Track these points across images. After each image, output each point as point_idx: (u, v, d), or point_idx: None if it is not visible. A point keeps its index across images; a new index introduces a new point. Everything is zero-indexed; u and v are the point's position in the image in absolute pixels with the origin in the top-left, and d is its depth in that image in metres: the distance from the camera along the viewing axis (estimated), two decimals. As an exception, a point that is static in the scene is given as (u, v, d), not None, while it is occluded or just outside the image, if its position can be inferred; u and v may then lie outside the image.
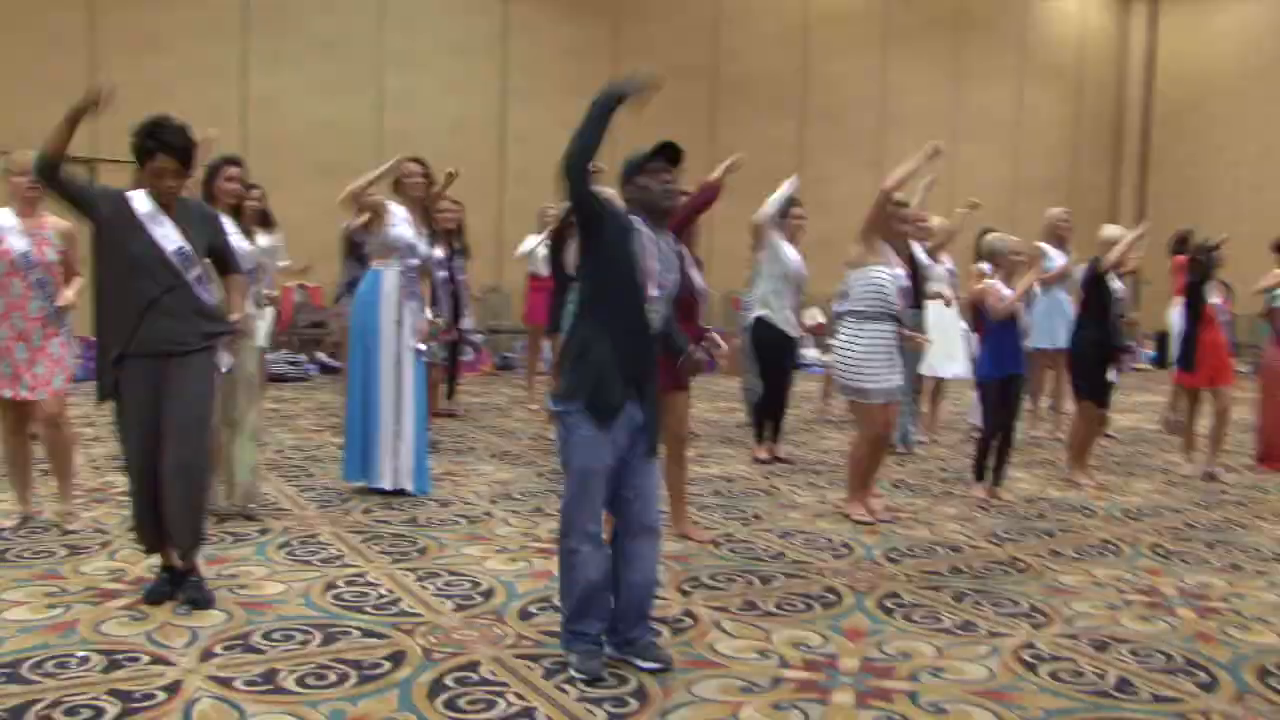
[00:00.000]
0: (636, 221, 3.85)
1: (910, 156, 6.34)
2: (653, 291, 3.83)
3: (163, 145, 4.34)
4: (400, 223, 6.55)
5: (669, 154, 3.87)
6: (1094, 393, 7.54)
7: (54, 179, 4.33)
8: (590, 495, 3.81)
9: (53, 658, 3.83)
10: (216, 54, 13.25)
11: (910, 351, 8.32)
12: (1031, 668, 4.06)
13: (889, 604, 4.77)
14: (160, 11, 12.92)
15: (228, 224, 5.27)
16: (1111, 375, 7.53)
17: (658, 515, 4.01)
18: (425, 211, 6.85)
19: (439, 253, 7.09)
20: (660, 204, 3.89)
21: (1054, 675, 3.99)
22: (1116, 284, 7.58)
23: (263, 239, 7.82)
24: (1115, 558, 5.73)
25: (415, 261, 6.58)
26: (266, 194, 8.64)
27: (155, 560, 4.61)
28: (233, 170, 5.93)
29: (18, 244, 5.41)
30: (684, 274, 5.32)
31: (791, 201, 8.11)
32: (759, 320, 8.10)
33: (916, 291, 7.61)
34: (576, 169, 3.68)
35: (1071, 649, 4.28)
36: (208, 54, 13.19)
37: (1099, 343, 7.46)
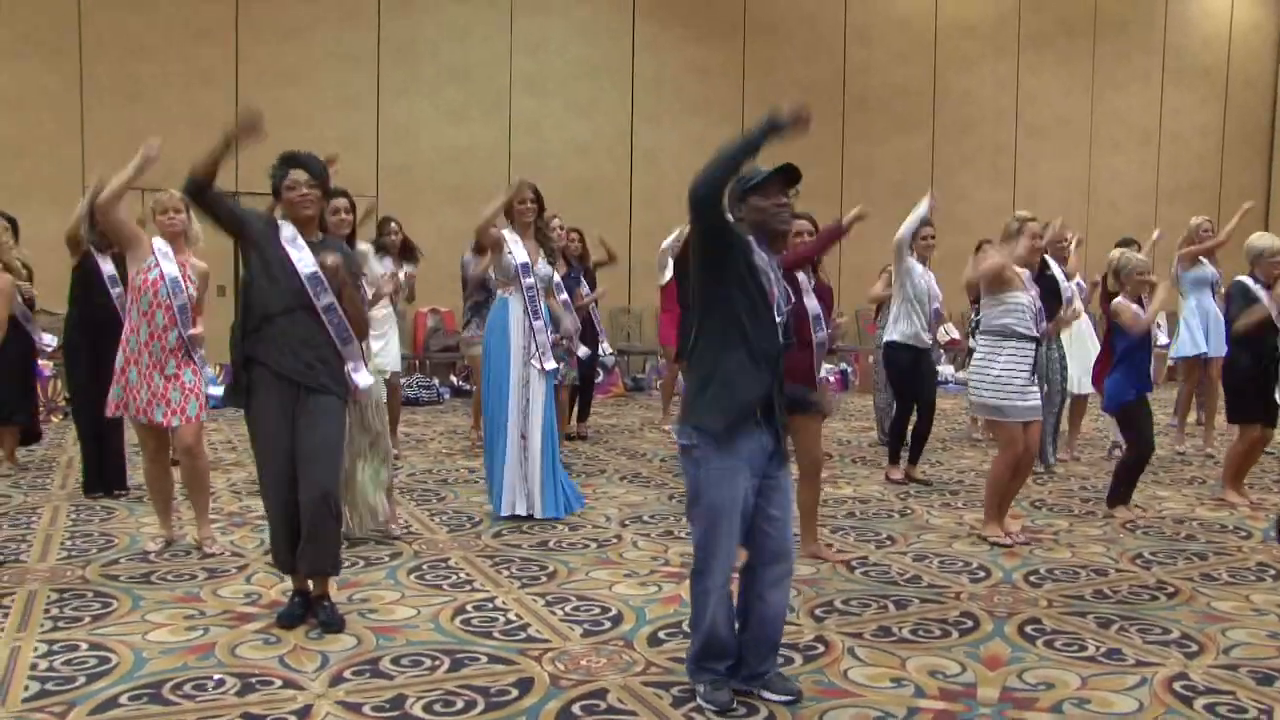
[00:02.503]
0: (754, 243, 3.73)
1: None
2: (778, 317, 3.72)
3: (295, 163, 4.52)
4: (514, 246, 6.61)
5: (787, 175, 3.73)
6: (1251, 415, 7.16)
7: (202, 198, 4.37)
8: (723, 532, 3.66)
9: (191, 679, 3.90)
10: (352, 84, 13.62)
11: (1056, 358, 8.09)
12: (1186, 700, 3.83)
13: (1030, 630, 4.58)
14: (299, 45, 13.35)
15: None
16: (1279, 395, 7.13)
17: (792, 547, 3.88)
18: (540, 234, 6.85)
19: (557, 275, 7.12)
20: (774, 227, 3.75)
21: (1211, 709, 3.76)
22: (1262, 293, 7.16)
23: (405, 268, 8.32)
24: (1276, 583, 5.40)
25: (532, 281, 6.60)
26: (402, 224, 8.86)
27: (289, 584, 4.69)
28: (338, 202, 6.04)
29: (170, 269, 5.59)
30: (799, 302, 5.24)
31: (923, 221, 7.97)
32: (890, 344, 7.97)
33: (1050, 311, 7.35)
34: (711, 198, 3.54)
35: (1230, 681, 4.02)
36: (344, 85, 13.57)
37: (1253, 363, 7.07)
